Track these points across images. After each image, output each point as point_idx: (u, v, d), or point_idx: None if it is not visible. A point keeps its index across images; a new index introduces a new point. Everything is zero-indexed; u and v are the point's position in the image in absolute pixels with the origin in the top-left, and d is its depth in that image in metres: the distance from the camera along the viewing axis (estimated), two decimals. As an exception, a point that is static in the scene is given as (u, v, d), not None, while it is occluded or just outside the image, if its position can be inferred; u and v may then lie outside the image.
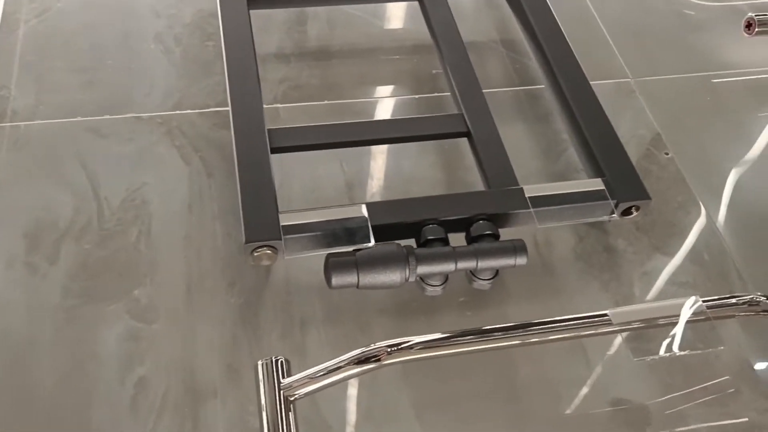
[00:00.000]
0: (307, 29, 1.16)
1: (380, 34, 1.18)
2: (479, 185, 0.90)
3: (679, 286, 0.91)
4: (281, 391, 0.67)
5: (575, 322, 0.70)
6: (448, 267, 0.79)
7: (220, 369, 0.78)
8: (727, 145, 1.09)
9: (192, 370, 0.78)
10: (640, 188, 0.86)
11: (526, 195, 0.84)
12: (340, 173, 0.97)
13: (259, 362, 0.69)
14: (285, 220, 0.78)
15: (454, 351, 0.69)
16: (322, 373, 0.67)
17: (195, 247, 0.88)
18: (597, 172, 0.88)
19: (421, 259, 0.78)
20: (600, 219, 0.85)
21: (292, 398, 0.67)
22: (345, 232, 0.79)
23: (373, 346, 0.67)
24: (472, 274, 0.83)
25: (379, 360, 0.67)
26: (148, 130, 0.99)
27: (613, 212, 0.85)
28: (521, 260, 0.80)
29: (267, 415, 0.66)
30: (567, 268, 0.91)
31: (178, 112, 1.01)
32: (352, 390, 0.79)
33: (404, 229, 0.81)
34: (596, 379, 0.82)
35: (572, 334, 0.70)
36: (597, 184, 0.86)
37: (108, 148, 0.96)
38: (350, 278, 0.77)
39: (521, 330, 0.69)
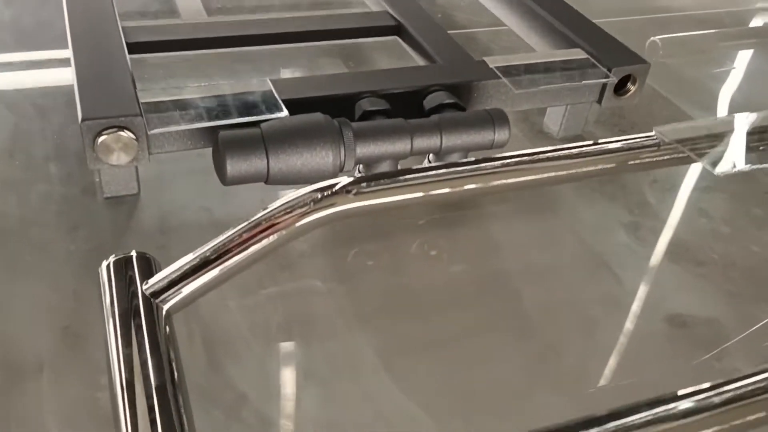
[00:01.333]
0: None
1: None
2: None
3: (701, 191, 0.68)
4: (148, 299, 0.38)
5: (609, 147, 0.45)
6: (401, 146, 0.53)
7: (51, 336, 0.47)
8: (698, 67, 0.92)
9: (2, 342, 0.46)
10: (632, 54, 0.65)
11: (491, 66, 0.61)
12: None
13: (105, 263, 0.40)
14: (146, 97, 0.51)
15: (427, 193, 0.42)
16: (211, 256, 0.38)
17: (16, 192, 0.58)
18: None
19: (361, 134, 0.52)
20: (593, 83, 0.63)
21: (165, 305, 0.38)
22: (242, 104, 0.52)
23: (292, 196, 0.40)
24: (435, 166, 0.57)
25: (304, 214, 0.39)
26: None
27: (608, 76, 0.62)
28: (502, 134, 0.56)
29: (118, 339, 0.36)
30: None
31: None
32: (280, 337, 0.49)
33: (328, 106, 0.55)
34: (635, 293, 0.56)
35: (611, 164, 0.44)
36: (578, 54, 0.65)
37: None
38: (255, 163, 0.49)
39: (532, 158, 0.43)
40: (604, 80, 0.62)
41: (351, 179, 0.40)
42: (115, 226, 0.56)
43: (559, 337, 0.52)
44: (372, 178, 0.41)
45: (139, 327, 0.36)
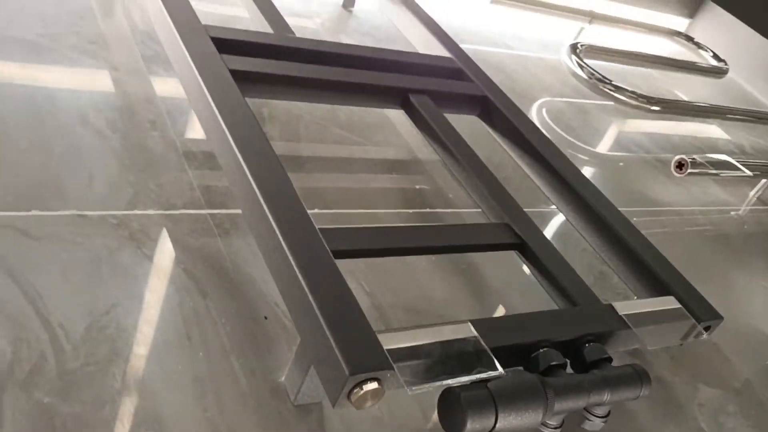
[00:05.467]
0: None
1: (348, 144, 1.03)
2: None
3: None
4: None
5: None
6: (581, 402, 0.63)
7: None
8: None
9: None
10: (711, 307, 0.79)
11: (620, 313, 0.72)
12: (363, 294, 0.77)
13: None
14: (388, 343, 0.57)
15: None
16: None
17: (212, 392, 0.60)
18: (658, 292, 0.80)
19: (559, 393, 0.61)
20: (696, 340, 0.76)
21: None
22: (462, 356, 0.59)
23: None
24: (586, 410, 0.67)
25: None
26: (100, 232, 0.70)
27: (701, 329, 0.75)
28: (646, 390, 0.67)
29: None
30: (636, 403, 0.79)
31: (137, 212, 0.74)
32: None
33: (514, 353, 0.64)
34: None
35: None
36: (672, 302, 0.77)
37: (45, 254, 0.66)
38: (485, 421, 0.56)
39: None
40: (704, 338, 0.75)
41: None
42: (313, 440, 0.60)
43: None
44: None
45: None
